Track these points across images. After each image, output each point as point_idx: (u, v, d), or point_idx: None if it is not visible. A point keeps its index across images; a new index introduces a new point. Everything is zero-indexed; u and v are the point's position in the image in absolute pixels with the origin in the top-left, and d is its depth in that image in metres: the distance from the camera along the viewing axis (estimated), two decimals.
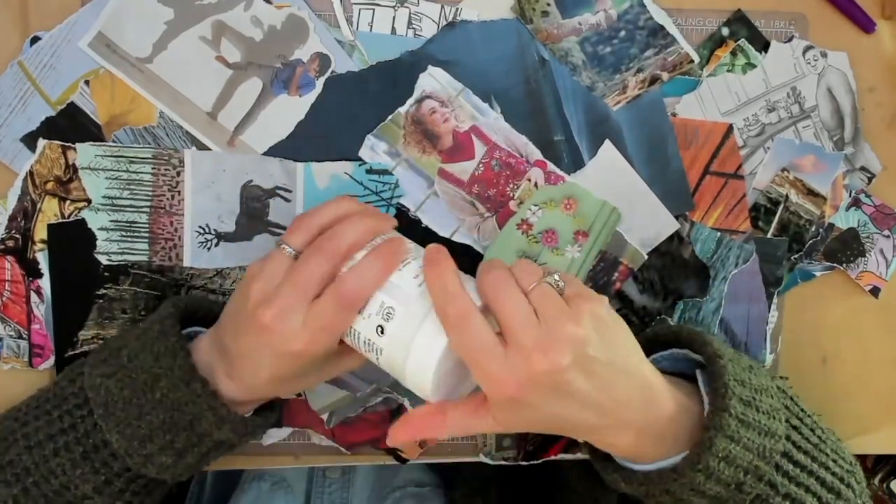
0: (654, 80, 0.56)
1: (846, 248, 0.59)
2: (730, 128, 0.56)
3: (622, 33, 0.55)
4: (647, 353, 0.46)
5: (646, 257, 0.56)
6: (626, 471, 0.46)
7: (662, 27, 0.55)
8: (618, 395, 0.41)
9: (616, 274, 0.56)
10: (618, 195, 0.55)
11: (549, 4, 0.54)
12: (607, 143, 0.55)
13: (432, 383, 0.41)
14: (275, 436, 0.57)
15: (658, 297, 0.57)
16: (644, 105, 0.56)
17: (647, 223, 0.56)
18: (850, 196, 0.58)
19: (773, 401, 0.46)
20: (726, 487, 0.43)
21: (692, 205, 0.57)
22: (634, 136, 0.56)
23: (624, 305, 0.57)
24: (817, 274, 0.59)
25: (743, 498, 0.43)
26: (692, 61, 0.56)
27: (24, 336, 0.54)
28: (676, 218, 0.56)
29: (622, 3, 0.55)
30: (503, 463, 0.58)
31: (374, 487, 0.65)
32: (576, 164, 0.55)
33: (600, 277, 0.56)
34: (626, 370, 0.42)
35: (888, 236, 0.59)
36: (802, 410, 0.48)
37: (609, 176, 0.55)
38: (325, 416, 0.56)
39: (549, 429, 0.43)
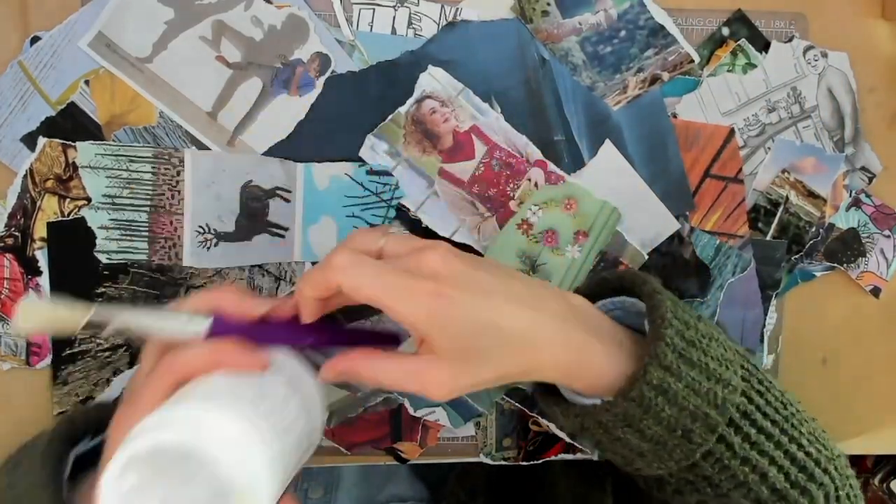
0: (654, 79, 0.56)
1: (846, 248, 0.59)
2: (731, 131, 0.56)
3: (622, 33, 0.55)
4: (596, 298, 0.45)
5: (646, 257, 0.56)
6: (566, 404, 0.43)
7: (662, 27, 0.55)
8: (518, 290, 0.40)
9: None
10: (618, 195, 0.55)
11: (549, 4, 0.54)
12: (607, 143, 0.55)
13: None
14: None
15: None
16: (644, 105, 0.56)
17: (647, 223, 0.56)
18: (850, 196, 0.58)
19: (726, 353, 0.43)
20: (670, 431, 0.40)
21: (692, 205, 0.57)
22: (634, 136, 0.56)
23: None
24: (817, 274, 0.59)
25: (693, 448, 0.40)
26: (692, 61, 0.56)
27: None
28: (677, 218, 0.56)
29: (622, 3, 0.55)
30: (503, 463, 0.58)
31: None
32: (576, 164, 0.55)
33: None
34: (512, 276, 0.40)
35: (888, 236, 0.59)
36: (767, 381, 0.45)
37: (609, 176, 0.55)
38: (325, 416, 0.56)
39: (490, 350, 0.39)
